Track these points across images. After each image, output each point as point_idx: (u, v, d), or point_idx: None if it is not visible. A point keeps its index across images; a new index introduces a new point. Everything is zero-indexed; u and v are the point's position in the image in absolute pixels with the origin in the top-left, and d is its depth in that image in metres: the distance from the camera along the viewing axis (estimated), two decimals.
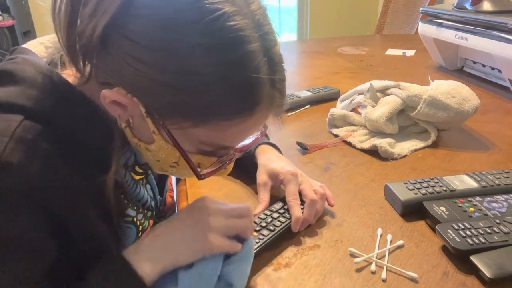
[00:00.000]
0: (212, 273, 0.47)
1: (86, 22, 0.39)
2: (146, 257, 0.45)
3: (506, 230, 0.55)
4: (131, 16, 0.38)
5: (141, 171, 0.59)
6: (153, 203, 0.63)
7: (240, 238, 0.51)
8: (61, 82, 0.45)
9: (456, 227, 0.55)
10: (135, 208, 0.57)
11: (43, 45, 0.51)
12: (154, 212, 0.63)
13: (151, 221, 0.62)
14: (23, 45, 0.50)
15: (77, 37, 0.41)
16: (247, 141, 0.51)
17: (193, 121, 0.42)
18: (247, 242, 0.51)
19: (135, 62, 0.39)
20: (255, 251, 0.54)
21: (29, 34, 2.92)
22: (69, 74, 0.46)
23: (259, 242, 0.56)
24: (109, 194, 0.47)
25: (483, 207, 0.61)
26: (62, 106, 0.44)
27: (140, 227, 0.58)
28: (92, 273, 0.44)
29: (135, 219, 0.56)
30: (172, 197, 0.81)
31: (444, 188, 0.65)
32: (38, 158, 0.40)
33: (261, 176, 0.67)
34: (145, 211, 0.60)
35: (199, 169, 0.48)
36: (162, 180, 0.69)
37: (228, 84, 0.40)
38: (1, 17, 2.68)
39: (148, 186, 0.62)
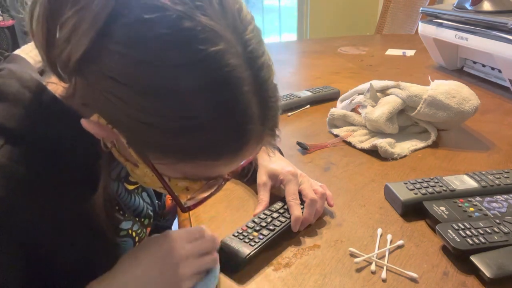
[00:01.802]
0: None
1: (62, 46, 0.36)
2: None
3: (506, 230, 0.55)
4: (110, 52, 0.34)
5: (134, 180, 0.58)
6: (150, 209, 0.62)
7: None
8: (47, 97, 0.42)
9: (456, 227, 0.55)
10: (131, 218, 0.56)
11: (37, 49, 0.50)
12: (152, 219, 0.63)
13: (149, 229, 0.61)
14: (17, 50, 0.49)
15: (56, 57, 0.37)
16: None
17: (177, 159, 0.39)
18: (211, 270, 0.51)
19: (114, 99, 0.36)
20: (254, 251, 0.54)
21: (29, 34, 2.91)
22: (58, 83, 0.44)
23: (259, 242, 0.56)
24: (100, 214, 0.46)
25: (483, 207, 0.61)
26: (48, 124, 0.42)
27: (137, 238, 0.57)
28: None
29: (130, 231, 0.55)
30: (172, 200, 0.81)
31: (444, 188, 0.65)
32: (17, 189, 0.38)
33: (261, 177, 0.67)
34: (142, 219, 0.59)
35: (186, 198, 0.46)
36: None
37: (214, 128, 0.36)
38: (1, 17, 2.68)
39: (144, 194, 0.61)
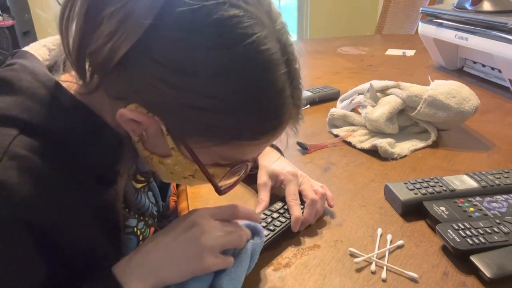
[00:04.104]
0: (204, 285, 0.46)
1: (104, 40, 0.37)
2: (137, 275, 0.44)
3: (506, 230, 0.55)
4: (160, 38, 0.37)
5: (142, 179, 0.58)
6: (155, 209, 0.62)
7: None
8: (62, 93, 0.43)
9: (456, 227, 0.55)
10: (136, 216, 0.56)
11: (46, 47, 0.50)
12: (156, 219, 0.63)
13: (152, 229, 0.61)
14: (25, 48, 0.49)
15: (89, 53, 0.39)
16: None
17: (216, 141, 0.41)
18: (241, 250, 0.50)
19: (160, 84, 0.38)
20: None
21: (29, 34, 2.92)
22: (72, 81, 0.44)
23: None
24: (118, 209, 0.46)
25: (483, 207, 0.61)
26: (61, 118, 0.42)
27: (141, 236, 0.57)
28: None
29: (135, 229, 0.56)
30: (176, 201, 0.81)
31: (444, 188, 0.65)
32: (32, 178, 0.38)
33: (262, 177, 0.67)
34: (146, 219, 0.59)
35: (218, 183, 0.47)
36: (165, 186, 0.68)
37: (255, 109, 0.40)
38: (1, 17, 2.68)
39: (150, 193, 0.62)
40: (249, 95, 0.39)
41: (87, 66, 0.40)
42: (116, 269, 0.44)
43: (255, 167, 0.71)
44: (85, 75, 0.41)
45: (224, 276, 0.47)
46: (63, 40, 0.40)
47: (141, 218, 0.57)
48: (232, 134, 0.41)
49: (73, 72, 0.43)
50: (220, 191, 0.47)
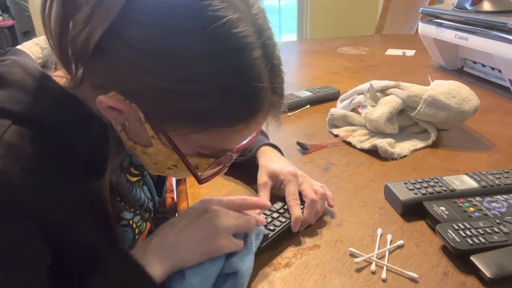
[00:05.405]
0: (217, 269, 0.49)
1: (81, 27, 0.38)
2: (155, 259, 0.46)
3: (506, 230, 0.55)
4: (131, 22, 0.37)
5: (136, 172, 0.59)
6: (151, 204, 0.62)
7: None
8: (52, 85, 0.44)
9: (456, 227, 0.55)
10: (132, 210, 0.57)
11: (38, 46, 0.50)
12: (152, 214, 0.63)
13: (148, 224, 0.61)
14: (18, 46, 0.50)
15: (69, 41, 0.39)
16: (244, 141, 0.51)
17: (193, 127, 0.41)
18: (249, 236, 0.54)
19: (134, 69, 0.38)
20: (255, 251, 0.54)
21: (29, 34, 2.92)
22: (63, 76, 0.45)
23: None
24: (106, 198, 0.47)
25: (483, 207, 0.61)
26: (52, 110, 0.43)
27: (137, 230, 0.57)
28: (100, 274, 0.43)
29: (131, 222, 0.56)
30: (173, 198, 0.81)
31: (444, 188, 0.65)
32: (25, 165, 0.39)
33: (262, 177, 0.67)
34: (143, 213, 0.59)
35: (198, 172, 0.48)
36: (160, 181, 0.69)
37: (230, 93, 0.40)
38: (1, 17, 2.68)
39: (145, 187, 0.62)
40: (221, 78, 0.38)
41: (70, 55, 0.41)
42: (133, 254, 0.46)
43: (242, 154, 0.71)
44: (69, 65, 0.41)
45: (237, 259, 0.50)
46: (45, 30, 0.40)
47: (137, 212, 0.57)
48: (207, 119, 0.41)
49: (62, 72, 0.44)
50: (199, 180, 0.48)
